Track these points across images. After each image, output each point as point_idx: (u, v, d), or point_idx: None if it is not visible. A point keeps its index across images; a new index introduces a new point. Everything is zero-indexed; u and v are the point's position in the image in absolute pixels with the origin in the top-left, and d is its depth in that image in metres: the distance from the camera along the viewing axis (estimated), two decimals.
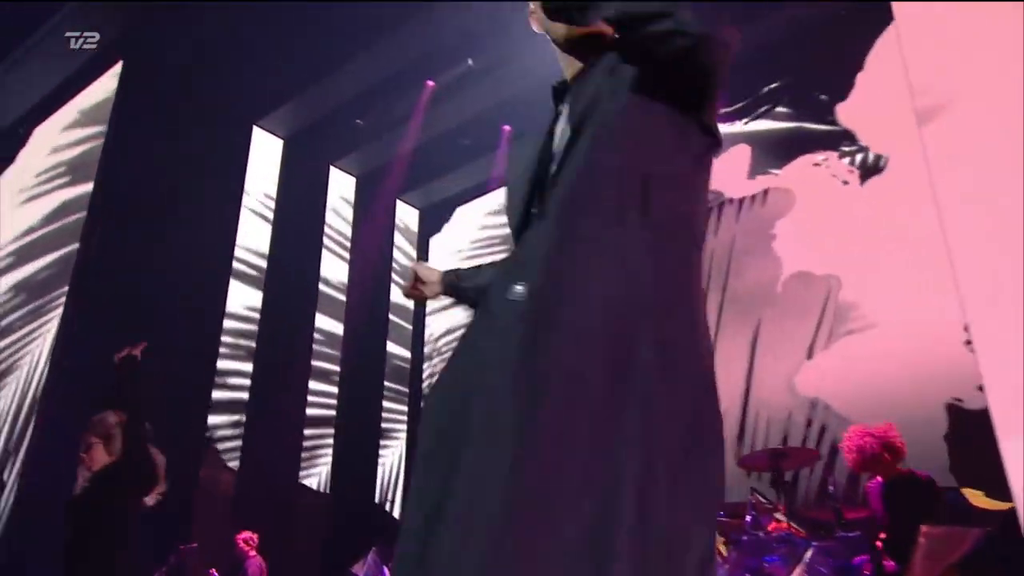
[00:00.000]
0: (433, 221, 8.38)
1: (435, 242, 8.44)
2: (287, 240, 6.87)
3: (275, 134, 7.12)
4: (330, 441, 7.00)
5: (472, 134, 6.76)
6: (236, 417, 6.13)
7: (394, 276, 8.10)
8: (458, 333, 7.56)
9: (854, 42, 5.48)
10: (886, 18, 5.30)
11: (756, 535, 3.29)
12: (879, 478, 3.40)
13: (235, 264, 6.43)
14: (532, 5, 1.37)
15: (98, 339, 5.16)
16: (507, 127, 6.65)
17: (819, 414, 4.84)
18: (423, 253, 8.45)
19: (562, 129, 1.21)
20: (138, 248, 5.55)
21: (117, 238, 5.64)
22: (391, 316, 7.97)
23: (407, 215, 8.55)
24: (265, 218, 6.88)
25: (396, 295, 8.11)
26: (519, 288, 1.00)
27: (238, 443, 6.10)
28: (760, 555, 3.19)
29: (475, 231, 8.02)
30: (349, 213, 7.86)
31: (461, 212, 8.22)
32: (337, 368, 7.24)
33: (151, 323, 5.34)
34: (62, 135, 6.54)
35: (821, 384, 4.90)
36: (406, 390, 7.86)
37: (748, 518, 3.36)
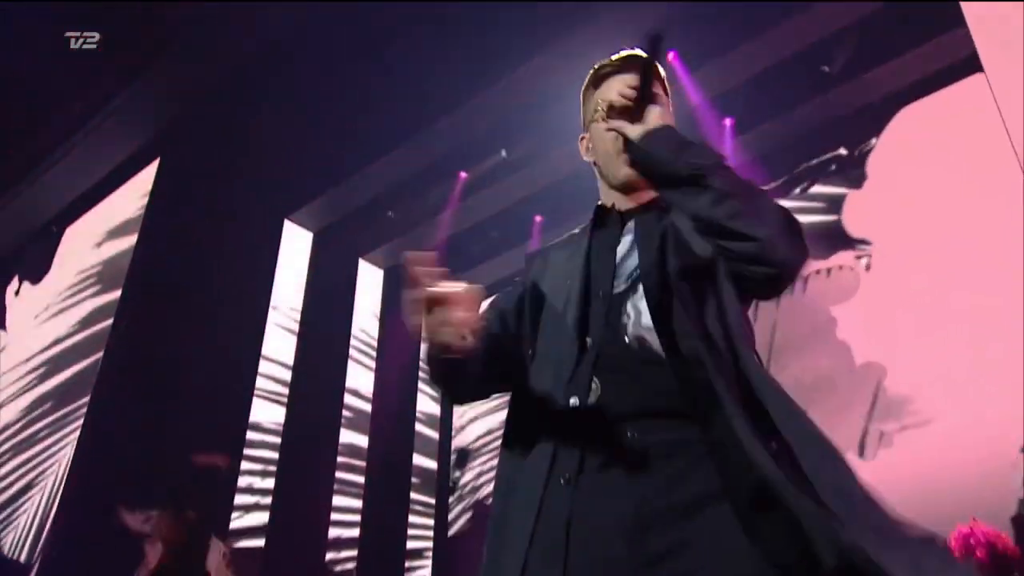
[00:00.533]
0: None
1: None
2: (313, 348, 6.87)
3: (306, 227, 7.30)
4: (352, 564, 6.73)
5: (502, 226, 6.93)
6: (257, 542, 5.94)
7: (420, 384, 8.03)
8: (498, 434, 7.43)
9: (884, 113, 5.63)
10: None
11: None
12: None
13: (259, 377, 6.42)
14: (586, 132, 1.45)
15: (116, 450, 5.14)
16: (539, 217, 6.82)
17: None
18: None
19: (626, 251, 1.30)
20: (162, 358, 5.61)
21: (141, 347, 5.71)
22: (418, 426, 7.84)
23: None
24: (290, 331, 6.88)
25: (423, 403, 8.01)
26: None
27: (261, 560, 5.89)
28: None
29: None
30: (376, 312, 7.91)
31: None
32: (361, 479, 7.06)
33: (173, 433, 5.33)
34: (94, 252, 6.78)
35: (875, 483, 4.68)
36: (432, 500, 7.61)
37: None
